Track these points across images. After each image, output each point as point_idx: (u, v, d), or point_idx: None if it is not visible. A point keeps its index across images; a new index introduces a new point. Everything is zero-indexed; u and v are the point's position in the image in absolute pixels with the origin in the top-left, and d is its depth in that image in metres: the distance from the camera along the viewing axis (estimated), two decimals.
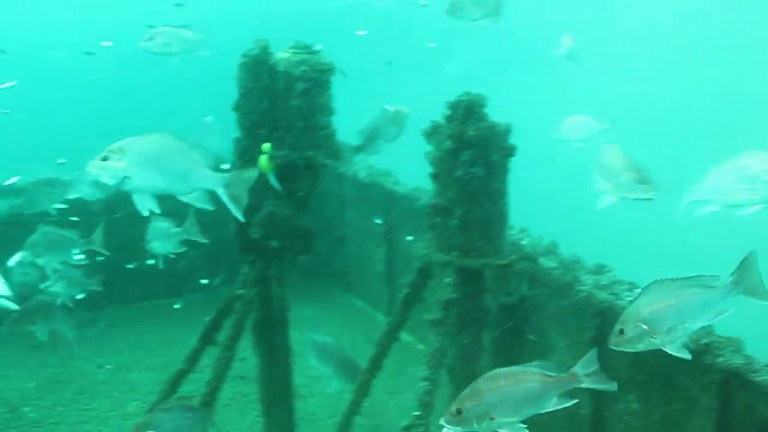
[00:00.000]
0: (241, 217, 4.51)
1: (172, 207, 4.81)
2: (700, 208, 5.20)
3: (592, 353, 3.89)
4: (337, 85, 6.15)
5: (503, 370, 3.97)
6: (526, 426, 3.88)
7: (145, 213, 4.37)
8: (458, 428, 3.83)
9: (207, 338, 6.78)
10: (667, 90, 18.93)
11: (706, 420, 5.23)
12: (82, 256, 7.73)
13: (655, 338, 3.92)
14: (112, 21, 17.51)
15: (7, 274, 8.16)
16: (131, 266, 10.09)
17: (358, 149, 6.33)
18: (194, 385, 6.54)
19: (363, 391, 6.26)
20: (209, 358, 6.83)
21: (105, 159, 4.19)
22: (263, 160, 5.68)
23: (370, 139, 6.35)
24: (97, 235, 7.24)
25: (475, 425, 3.80)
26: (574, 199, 8.69)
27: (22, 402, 8.93)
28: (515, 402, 3.82)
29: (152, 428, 4.84)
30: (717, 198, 5.16)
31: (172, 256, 8.16)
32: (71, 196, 9.39)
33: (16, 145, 17.01)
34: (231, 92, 6.18)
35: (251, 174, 4.64)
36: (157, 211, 4.38)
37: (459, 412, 3.81)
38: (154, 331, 10.58)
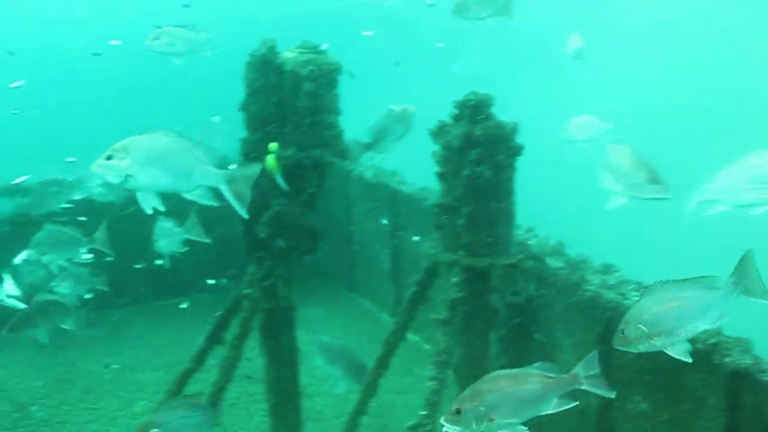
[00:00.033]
0: (244, 214, 4.51)
1: (173, 206, 4.81)
2: (710, 208, 5.18)
3: (593, 355, 3.89)
4: (345, 86, 6.16)
5: (504, 371, 4.00)
6: (527, 428, 3.88)
7: (149, 211, 4.38)
8: (458, 428, 3.83)
9: (214, 337, 6.80)
10: (674, 88, 18.86)
11: (714, 421, 5.21)
12: (90, 256, 7.75)
13: (655, 340, 3.93)
14: (121, 20, 17.54)
15: (16, 274, 8.19)
16: (139, 266, 10.11)
17: (368, 146, 6.33)
18: (201, 385, 6.55)
19: (370, 390, 6.26)
20: (216, 358, 6.85)
21: (109, 158, 4.21)
22: (270, 159, 5.69)
23: (380, 137, 6.35)
24: (100, 234, 7.25)
25: (474, 426, 3.80)
26: (581, 198, 8.68)
27: (30, 401, 8.96)
28: (515, 403, 3.83)
29: (157, 427, 4.85)
30: (727, 198, 5.14)
31: (179, 256, 8.21)
32: (77, 196, 9.43)
33: (25, 144, 17.07)
34: (238, 92, 6.19)
35: (254, 170, 4.63)
36: (162, 209, 4.39)
37: (459, 412, 3.82)
38: (161, 330, 10.60)
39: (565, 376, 3.85)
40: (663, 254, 13.22)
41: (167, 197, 4.44)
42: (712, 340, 5.14)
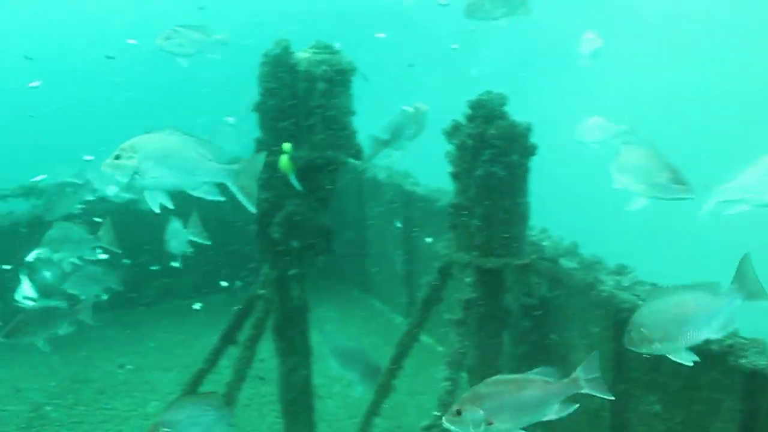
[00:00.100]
0: (252, 208, 4.53)
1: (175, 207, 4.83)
2: (730, 208, 5.15)
3: (593, 357, 3.90)
4: (358, 87, 6.15)
5: (505, 376, 4.05)
6: None
7: (157, 210, 4.43)
8: (457, 429, 3.88)
9: (228, 338, 6.82)
10: (684, 87, 18.78)
11: (730, 422, 5.18)
12: (105, 256, 7.78)
13: (657, 345, 3.96)
14: (139, 21, 17.64)
15: (32, 274, 8.23)
16: (155, 268, 10.15)
17: (386, 143, 6.32)
18: (214, 386, 6.55)
19: (383, 392, 6.26)
20: (229, 359, 6.86)
21: (117, 158, 4.28)
22: (284, 159, 5.69)
23: (396, 134, 6.35)
24: (104, 233, 7.25)
25: (472, 429, 3.84)
26: (595, 199, 8.65)
27: (44, 401, 9.00)
28: (514, 409, 3.86)
29: (168, 427, 4.82)
30: (749, 197, 5.10)
31: (190, 256, 8.24)
32: (91, 196, 9.46)
33: (41, 145, 17.18)
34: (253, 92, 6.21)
35: (257, 163, 4.64)
36: (171, 207, 4.43)
37: (459, 413, 3.85)
38: (174, 331, 10.64)
39: (565, 380, 3.87)
40: (677, 253, 13.17)
41: (172, 196, 4.47)
42: (728, 342, 5.11)
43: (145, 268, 10.34)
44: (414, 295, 9.07)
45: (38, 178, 10.40)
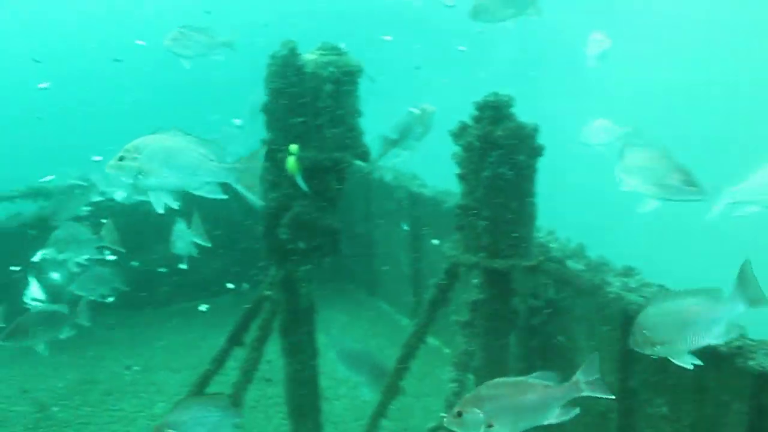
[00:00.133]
0: (258, 202, 4.57)
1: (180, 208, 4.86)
2: (739, 210, 5.13)
3: (593, 359, 3.92)
4: (365, 89, 6.15)
5: (507, 379, 4.06)
6: None
7: (162, 210, 4.46)
8: (458, 430, 3.91)
9: (235, 339, 6.82)
10: (698, 85, 18.74)
11: (738, 424, 5.15)
12: (113, 257, 7.80)
13: (658, 347, 3.98)
14: (149, 21, 17.71)
15: (40, 275, 8.26)
16: (163, 270, 10.17)
17: (395, 142, 6.32)
18: (221, 387, 6.56)
19: (390, 393, 6.25)
20: (235, 361, 6.86)
21: (121, 159, 4.32)
22: (291, 161, 5.69)
23: (405, 134, 6.35)
24: (107, 232, 7.26)
25: (472, 431, 3.87)
26: (603, 200, 8.63)
27: (52, 402, 9.03)
28: (515, 412, 3.88)
29: (172, 428, 4.82)
30: (760, 199, 5.08)
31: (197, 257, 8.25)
32: (96, 198, 9.49)
33: (51, 145, 17.25)
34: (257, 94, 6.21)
35: (257, 158, 4.66)
36: (176, 207, 4.46)
37: (460, 415, 3.87)
38: (181, 332, 10.66)
39: (565, 384, 3.88)
40: (685, 254, 13.14)
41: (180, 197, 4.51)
42: (736, 343, 5.09)
43: (153, 270, 10.35)
44: (421, 297, 9.06)
45: (46, 179, 10.43)
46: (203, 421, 4.90)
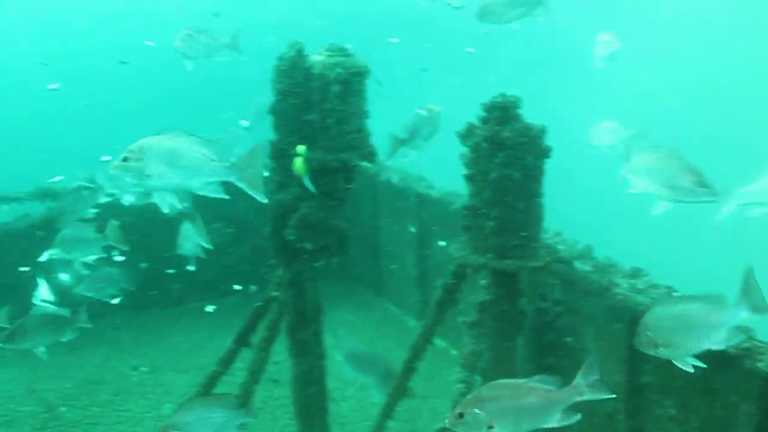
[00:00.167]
0: (262, 199, 4.57)
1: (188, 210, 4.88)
2: (750, 211, 5.11)
3: (592, 360, 3.92)
4: (372, 90, 6.15)
5: (509, 381, 4.07)
6: None
7: (166, 210, 4.48)
8: (460, 430, 3.91)
9: (242, 340, 6.83)
10: (706, 85, 18.69)
11: (746, 426, 5.13)
12: (122, 258, 7.82)
13: (661, 350, 4.01)
14: (157, 22, 17.76)
15: (48, 275, 8.28)
16: (171, 271, 10.19)
17: (403, 142, 6.33)
18: (228, 388, 6.58)
19: (397, 395, 6.25)
20: (242, 362, 6.88)
21: (125, 160, 4.32)
22: (298, 162, 5.70)
23: (413, 134, 6.35)
24: (111, 231, 7.27)
25: (474, 431, 3.86)
26: (611, 201, 8.61)
27: (59, 402, 9.06)
28: (516, 414, 3.89)
29: (177, 429, 4.82)
30: None
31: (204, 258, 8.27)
32: (103, 200, 9.51)
33: (59, 145, 17.31)
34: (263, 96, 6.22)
35: (258, 154, 4.66)
36: (179, 207, 4.48)
37: (461, 415, 3.86)
38: (188, 333, 10.68)
39: (566, 388, 3.87)
40: (692, 254, 13.11)
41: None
42: (745, 345, 5.08)
43: (161, 271, 10.37)
44: (427, 298, 9.06)
45: (55, 179, 10.46)
46: (208, 422, 4.89)
